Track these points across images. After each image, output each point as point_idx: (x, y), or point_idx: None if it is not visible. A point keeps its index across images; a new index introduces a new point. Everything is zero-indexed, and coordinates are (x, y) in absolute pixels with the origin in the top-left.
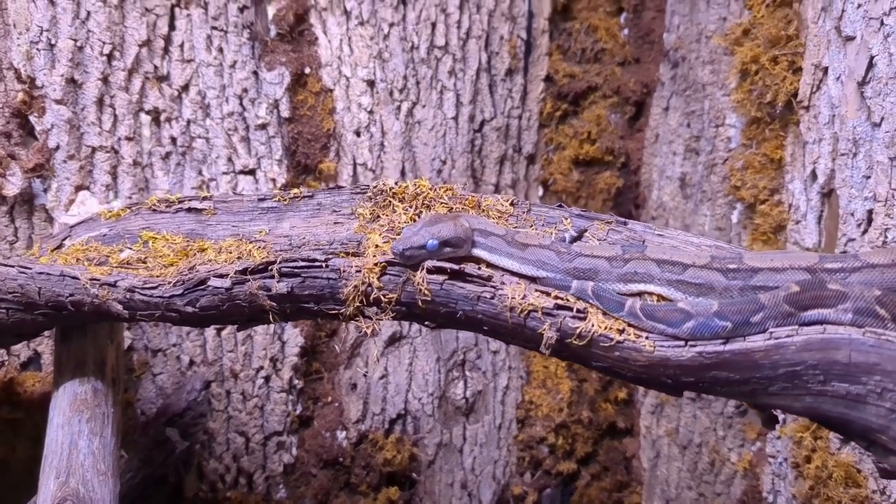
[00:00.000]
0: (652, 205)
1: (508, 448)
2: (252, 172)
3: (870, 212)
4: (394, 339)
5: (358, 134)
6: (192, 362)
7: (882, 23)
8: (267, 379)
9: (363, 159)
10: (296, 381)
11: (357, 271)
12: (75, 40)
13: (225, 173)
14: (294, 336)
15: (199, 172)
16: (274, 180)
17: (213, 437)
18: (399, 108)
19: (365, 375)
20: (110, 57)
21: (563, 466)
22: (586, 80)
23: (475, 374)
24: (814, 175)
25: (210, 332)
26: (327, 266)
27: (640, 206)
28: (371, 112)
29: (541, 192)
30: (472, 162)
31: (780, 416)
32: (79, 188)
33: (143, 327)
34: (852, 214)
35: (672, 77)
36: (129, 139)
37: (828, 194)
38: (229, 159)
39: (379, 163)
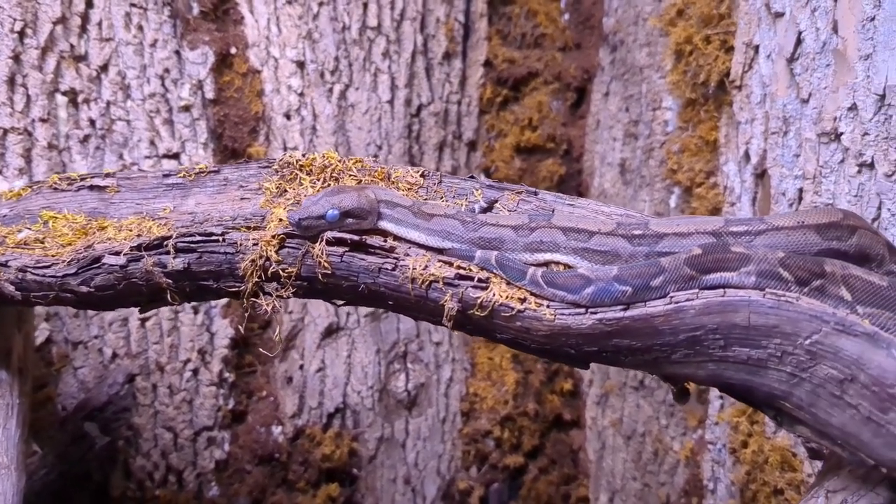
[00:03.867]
0: (594, 192)
1: (453, 442)
2: (176, 156)
3: (800, 190)
4: (331, 331)
5: (288, 117)
6: (115, 355)
7: None
8: (195, 372)
9: (294, 143)
10: (226, 375)
11: (254, 244)
12: None
13: (147, 157)
14: (223, 327)
15: (120, 156)
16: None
17: (140, 432)
18: (331, 90)
19: (292, 365)
20: (22, 34)
21: (510, 460)
22: (527, 66)
23: (417, 366)
24: (747, 156)
25: (134, 323)
26: (224, 240)
27: (584, 194)
28: (301, 94)
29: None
30: (409, 147)
31: (720, 397)
32: None
33: (63, 318)
34: (783, 194)
35: (611, 61)
36: (43, 121)
37: (761, 175)
38: (152, 142)
39: (311, 147)
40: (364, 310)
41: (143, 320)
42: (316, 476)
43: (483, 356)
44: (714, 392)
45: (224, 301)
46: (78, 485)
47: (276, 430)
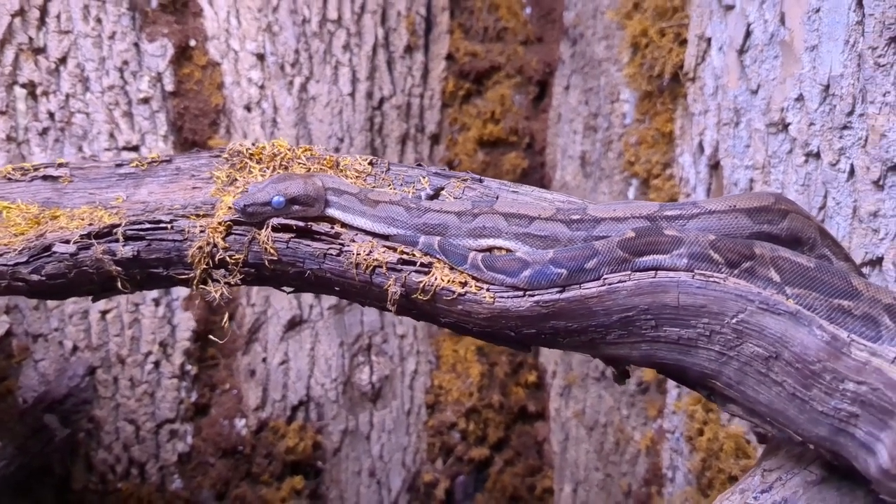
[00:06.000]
0: (556, 185)
1: (418, 434)
2: (136, 149)
3: (751, 181)
4: (294, 323)
5: (249, 109)
6: (75, 347)
7: None
8: (157, 364)
9: (255, 136)
10: (188, 367)
11: (201, 231)
12: None
13: (107, 150)
14: (185, 320)
15: (80, 149)
16: None
17: (101, 425)
18: (291, 83)
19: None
20: None
21: (476, 452)
22: (489, 60)
23: (381, 358)
24: (701, 147)
25: (94, 315)
26: (172, 228)
27: (546, 188)
28: (262, 87)
29: None
30: (371, 140)
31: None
32: None
33: (23, 311)
34: (736, 184)
35: (572, 55)
36: (1, 113)
37: (715, 166)
38: (111, 135)
39: (272, 139)
40: (327, 302)
41: (104, 312)
42: (280, 469)
43: (448, 348)
44: (672, 381)
45: (185, 293)
46: (39, 478)
47: (240, 422)
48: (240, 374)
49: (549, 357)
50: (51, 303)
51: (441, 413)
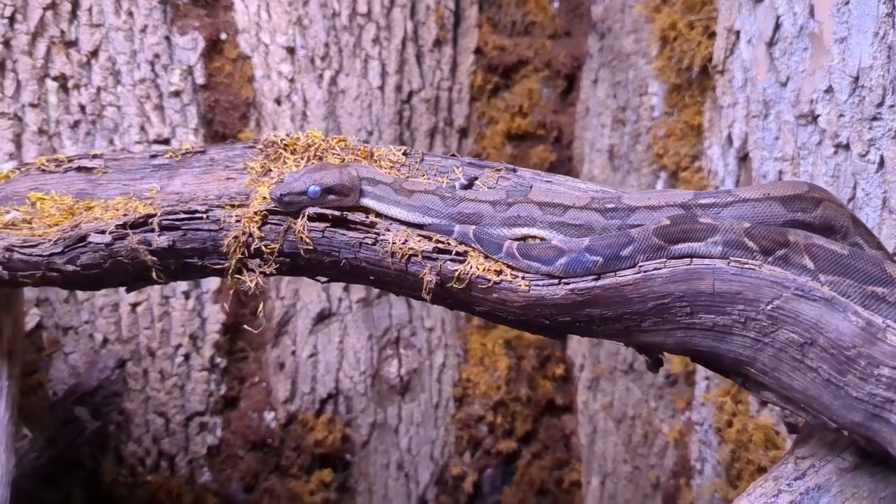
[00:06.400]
0: (584, 179)
1: (446, 427)
2: (167, 142)
3: (780, 172)
4: (322, 317)
5: (279, 102)
6: (105, 340)
7: None
8: (187, 357)
9: (285, 129)
10: (218, 360)
11: (237, 221)
12: None
13: (138, 142)
14: (215, 312)
15: (111, 141)
16: None
17: (131, 418)
18: (321, 76)
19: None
20: (12, 20)
21: (504, 446)
22: (517, 54)
23: (410, 351)
24: (730, 139)
25: (125, 308)
26: (208, 217)
27: None
28: (292, 80)
29: None
30: (400, 134)
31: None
32: None
33: (53, 304)
34: (765, 176)
35: (600, 49)
36: (33, 106)
37: (744, 158)
38: (142, 128)
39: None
40: (356, 295)
41: (134, 305)
42: (309, 462)
43: (475, 342)
44: (701, 373)
45: (215, 286)
46: (69, 470)
47: (269, 415)
48: (269, 367)
49: (577, 350)
50: (81, 295)
51: (469, 406)
